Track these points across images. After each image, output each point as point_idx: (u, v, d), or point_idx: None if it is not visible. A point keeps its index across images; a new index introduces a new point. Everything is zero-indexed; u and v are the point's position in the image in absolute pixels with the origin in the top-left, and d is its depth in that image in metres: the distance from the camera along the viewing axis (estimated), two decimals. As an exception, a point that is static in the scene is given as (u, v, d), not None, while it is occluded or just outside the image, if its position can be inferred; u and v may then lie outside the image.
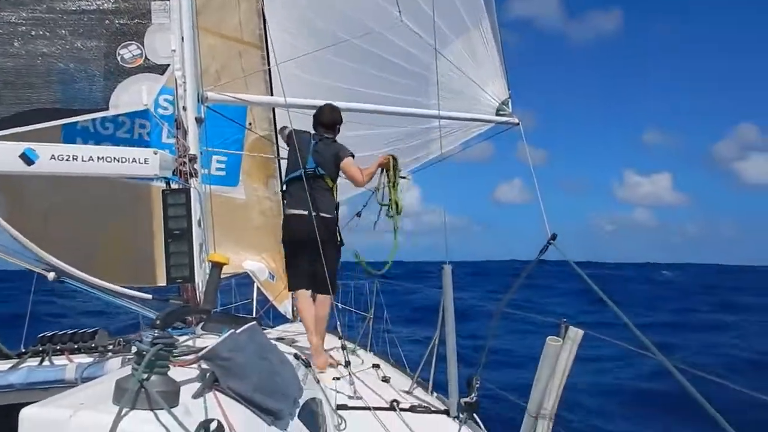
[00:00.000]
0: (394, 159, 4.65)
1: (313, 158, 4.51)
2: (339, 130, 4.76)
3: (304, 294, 4.63)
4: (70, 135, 4.86)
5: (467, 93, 5.44)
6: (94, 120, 5.06)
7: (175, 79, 3.81)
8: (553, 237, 3.00)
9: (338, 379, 3.95)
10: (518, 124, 5.36)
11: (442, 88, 4.81)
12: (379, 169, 4.65)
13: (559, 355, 2.09)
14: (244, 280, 7.20)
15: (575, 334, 2.08)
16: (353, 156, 4.54)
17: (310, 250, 4.28)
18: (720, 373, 1.75)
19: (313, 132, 4.65)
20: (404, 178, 4.73)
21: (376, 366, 4.55)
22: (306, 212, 4.34)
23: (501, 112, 5.46)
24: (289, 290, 5.07)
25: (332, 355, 4.62)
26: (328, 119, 4.65)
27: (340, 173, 4.59)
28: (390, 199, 4.60)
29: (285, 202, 4.79)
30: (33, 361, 2.19)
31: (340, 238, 4.54)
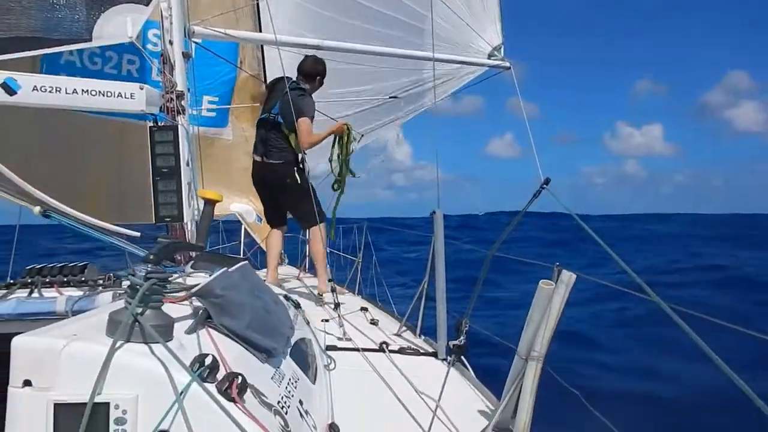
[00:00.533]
0: (348, 129, 4.69)
1: (279, 105, 4.60)
2: (321, 83, 4.83)
3: (273, 232, 5.08)
4: (52, 70, 4.69)
5: (460, 41, 5.35)
6: (81, 54, 4.88)
7: (161, 12, 3.68)
8: (546, 181, 2.98)
9: (327, 321, 3.98)
10: (509, 68, 5.34)
11: (436, 38, 4.70)
12: (334, 136, 4.73)
13: (552, 299, 2.10)
14: (234, 225, 7.18)
15: (568, 277, 2.08)
16: (312, 118, 4.58)
17: (269, 193, 4.81)
18: (716, 314, 1.76)
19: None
20: (355, 139, 4.80)
21: (364, 309, 4.59)
22: (259, 158, 4.71)
23: (492, 57, 5.41)
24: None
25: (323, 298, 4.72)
26: (308, 68, 4.72)
27: None
28: (340, 173, 4.77)
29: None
30: (21, 293, 2.17)
31: (298, 178, 4.62)
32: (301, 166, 4.69)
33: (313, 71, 4.73)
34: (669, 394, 6.32)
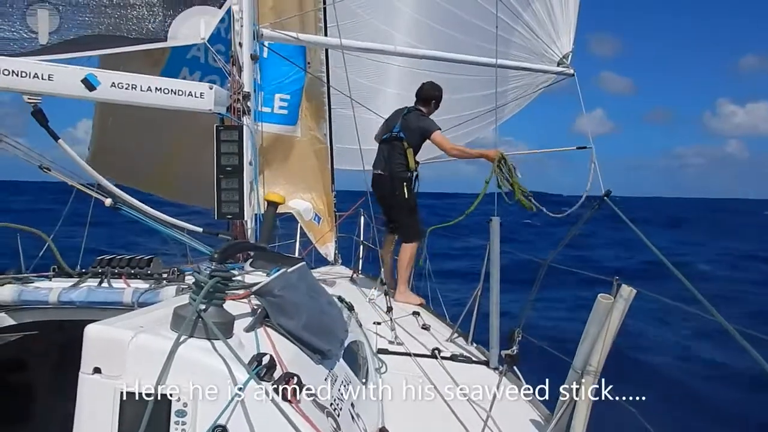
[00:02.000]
0: (504, 157, 4.70)
1: (400, 124, 5.07)
2: (437, 107, 5.27)
3: (388, 239, 5.52)
4: (176, 62, 4.89)
5: (537, 51, 5.35)
6: (206, 51, 5.06)
7: (233, 14, 3.78)
8: (607, 194, 2.93)
9: (379, 324, 4.00)
10: (573, 75, 5.27)
11: (516, 48, 4.71)
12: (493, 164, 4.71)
13: (610, 313, 2.05)
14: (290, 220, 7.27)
15: (627, 292, 2.04)
16: (440, 129, 5.02)
17: (385, 204, 5.23)
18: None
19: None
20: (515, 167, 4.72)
21: (416, 313, 4.59)
22: (380, 171, 5.11)
23: (560, 65, 5.35)
24: None
25: (377, 303, 4.74)
26: (425, 94, 5.20)
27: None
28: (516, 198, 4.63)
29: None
30: (92, 282, 2.28)
31: (409, 195, 5.03)
32: (412, 182, 5.09)
33: (429, 96, 5.19)
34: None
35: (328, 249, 7.28)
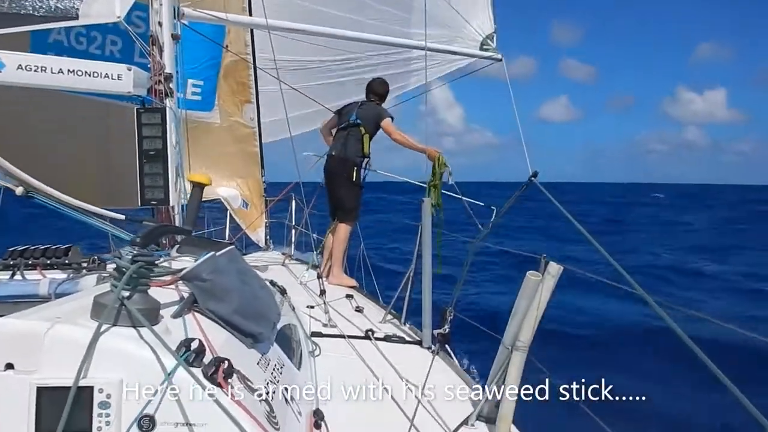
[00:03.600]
0: (439, 158, 4.88)
1: (356, 113, 5.30)
2: (385, 99, 5.54)
3: (332, 227, 5.53)
4: (40, 48, 4.61)
5: (451, 25, 5.32)
6: (68, 34, 4.81)
7: (150, -7, 3.62)
8: (534, 175, 3.00)
9: (312, 307, 3.97)
10: (501, 60, 5.33)
11: (428, 20, 4.68)
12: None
13: (538, 290, 2.11)
14: (216, 205, 7.12)
15: (555, 269, 2.09)
16: (392, 118, 5.30)
17: (334, 185, 5.33)
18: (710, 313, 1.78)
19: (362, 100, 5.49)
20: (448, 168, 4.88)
21: (349, 296, 4.59)
22: (333, 153, 5.30)
23: (485, 47, 5.39)
24: None
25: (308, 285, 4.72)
26: (380, 89, 5.47)
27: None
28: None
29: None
30: (3, 275, 2.14)
31: (357, 178, 5.21)
32: (362, 168, 5.26)
33: (382, 91, 5.46)
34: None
35: (259, 234, 7.20)
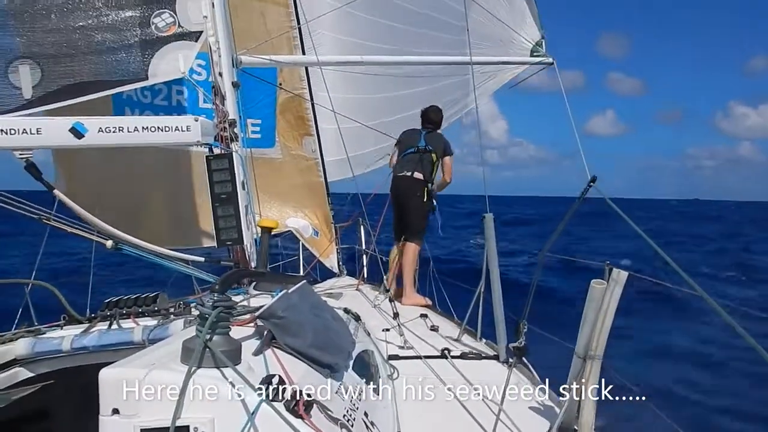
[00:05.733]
0: None
1: (425, 140, 5.49)
2: (441, 126, 5.73)
3: (398, 247, 5.65)
4: (118, 106, 5.00)
5: (500, 38, 5.36)
6: (135, 90, 5.16)
7: (209, 46, 3.84)
8: (593, 180, 2.98)
9: (388, 330, 4.05)
10: (552, 63, 5.30)
11: (475, 36, 4.74)
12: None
13: (604, 298, 2.11)
14: (292, 238, 7.35)
15: (619, 275, 2.09)
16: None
17: (405, 205, 5.47)
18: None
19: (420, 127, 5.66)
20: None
21: (423, 316, 4.64)
22: (408, 173, 5.42)
23: (535, 54, 5.38)
24: None
25: (381, 307, 4.81)
26: (436, 117, 5.64)
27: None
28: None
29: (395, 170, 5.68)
30: (102, 325, 2.34)
31: (428, 199, 5.38)
32: (431, 191, 5.42)
33: (437, 119, 5.65)
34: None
35: (332, 261, 7.36)
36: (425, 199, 5.38)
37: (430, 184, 5.42)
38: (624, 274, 2.09)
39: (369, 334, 3.38)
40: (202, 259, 3.60)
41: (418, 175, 5.40)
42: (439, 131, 5.69)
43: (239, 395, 1.44)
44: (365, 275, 7.05)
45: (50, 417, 2.57)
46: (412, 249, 5.43)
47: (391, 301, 4.46)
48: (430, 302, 5.36)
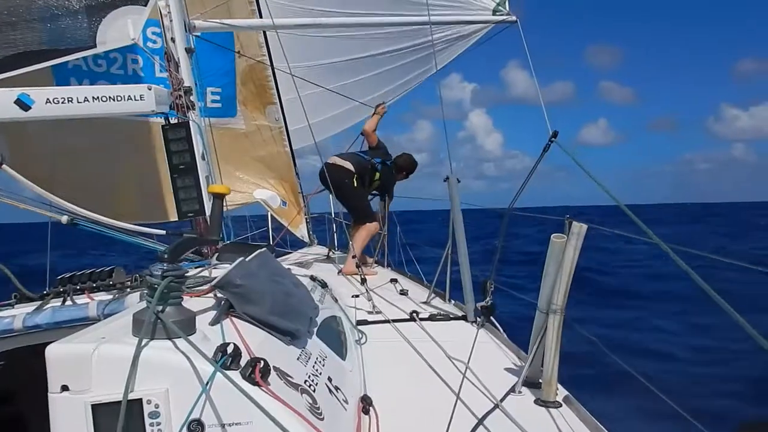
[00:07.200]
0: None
1: (381, 167, 5.77)
2: (405, 177, 6.07)
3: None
4: (62, 76, 4.79)
5: None
6: (85, 58, 4.97)
7: (159, 10, 3.70)
8: (555, 135, 2.97)
9: (357, 296, 4.05)
10: (516, 21, 5.18)
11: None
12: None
13: (565, 251, 2.11)
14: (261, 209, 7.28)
15: (579, 228, 2.09)
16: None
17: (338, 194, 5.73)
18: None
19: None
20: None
21: (393, 280, 4.64)
22: (340, 162, 5.57)
23: (498, 13, 5.27)
24: None
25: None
26: (402, 163, 5.99)
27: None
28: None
29: None
30: (56, 302, 2.27)
31: (355, 184, 5.54)
32: (361, 180, 5.60)
33: (404, 164, 5.97)
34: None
35: (302, 231, 7.32)
36: (355, 185, 5.54)
37: (361, 179, 5.61)
38: (584, 227, 2.08)
39: (337, 300, 3.36)
40: (164, 232, 3.53)
41: (348, 165, 5.54)
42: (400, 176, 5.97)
43: (192, 365, 1.41)
44: (336, 243, 7.03)
45: (13, 399, 2.52)
46: (366, 228, 5.57)
47: (358, 267, 4.45)
48: (375, 271, 5.40)
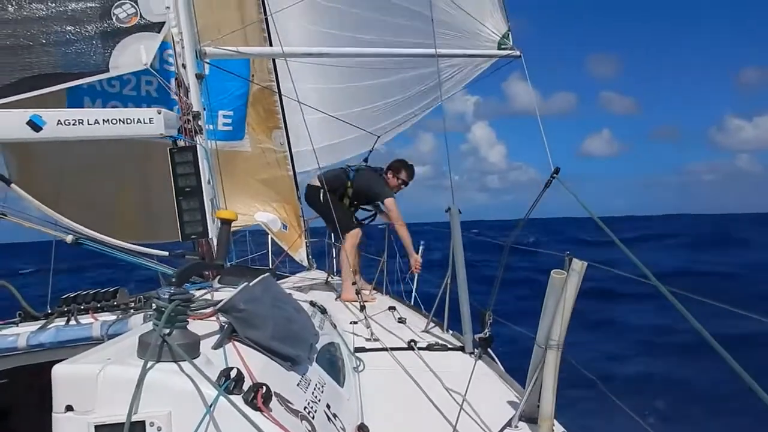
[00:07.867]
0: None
1: (355, 172, 5.72)
2: (403, 184, 5.81)
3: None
4: (75, 95, 4.86)
5: (468, 30, 5.34)
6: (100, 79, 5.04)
7: (172, 37, 3.78)
8: (556, 171, 3.02)
9: (355, 323, 4.06)
10: (520, 56, 5.28)
11: (442, 27, 4.74)
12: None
13: (564, 288, 2.14)
14: (262, 231, 7.31)
15: (579, 266, 2.12)
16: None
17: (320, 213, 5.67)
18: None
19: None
20: None
21: (392, 308, 4.66)
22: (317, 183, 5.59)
23: (502, 46, 5.38)
24: None
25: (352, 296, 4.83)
26: (393, 163, 5.84)
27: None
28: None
29: None
30: (60, 321, 2.29)
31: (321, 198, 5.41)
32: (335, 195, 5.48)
33: (395, 165, 5.79)
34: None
35: (301, 255, 7.34)
36: (321, 200, 5.42)
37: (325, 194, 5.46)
38: (583, 264, 2.12)
39: (335, 327, 3.38)
40: (166, 253, 3.56)
41: (316, 182, 5.58)
42: (383, 176, 5.79)
43: (196, 389, 1.43)
44: (335, 268, 7.04)
45: (11, 416, 2.52)
46: (343, 247, 5.50)
47: (357, 293, 4.47)
48: (373, 298, 5.39)
